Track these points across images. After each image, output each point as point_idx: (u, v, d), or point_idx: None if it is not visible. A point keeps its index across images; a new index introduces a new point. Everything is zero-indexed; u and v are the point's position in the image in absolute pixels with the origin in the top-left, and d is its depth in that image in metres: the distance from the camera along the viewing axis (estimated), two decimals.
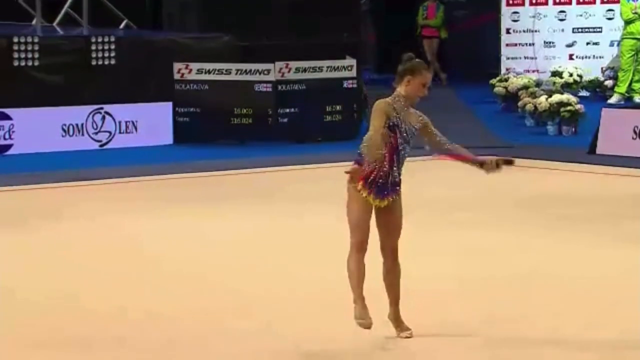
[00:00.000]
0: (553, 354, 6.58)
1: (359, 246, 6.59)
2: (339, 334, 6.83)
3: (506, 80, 19.48)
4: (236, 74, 16.30)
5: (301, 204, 11.46)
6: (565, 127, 16.91)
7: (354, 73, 16.91)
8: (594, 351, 6.63)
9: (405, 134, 6.67)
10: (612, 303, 7.68)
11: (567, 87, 19.66)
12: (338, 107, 16.76)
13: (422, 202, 11.18)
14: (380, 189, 6.62)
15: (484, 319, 7.18)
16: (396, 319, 6.77)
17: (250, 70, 16.33)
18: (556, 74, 20.37)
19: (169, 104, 16.29)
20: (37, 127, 15.34)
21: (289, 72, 16.48)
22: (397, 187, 6.72)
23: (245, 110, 16.25)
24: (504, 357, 6.55)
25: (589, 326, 7.07)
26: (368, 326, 6.53)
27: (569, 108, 16.82)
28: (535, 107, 17.33)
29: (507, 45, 21.86)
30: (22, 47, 15.55)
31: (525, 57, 21.47)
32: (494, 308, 7.48)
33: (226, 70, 16.34)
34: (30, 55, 15.61)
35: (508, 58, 21.71)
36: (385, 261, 6.75)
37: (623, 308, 7.52)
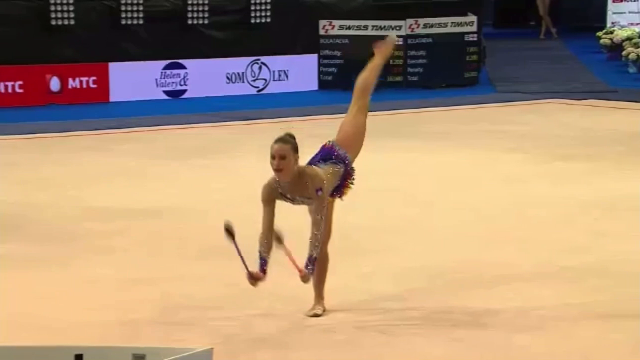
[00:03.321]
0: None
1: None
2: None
3: (611, 32, 19.35)
4: (372, 29, 16.41)
5: (435, 141, 11.52)
6: None
7: (474, 28, 16.96)
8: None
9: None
10: None
11: None
12: (460, 58, 16.84)
13: (538, 137, 11.59)
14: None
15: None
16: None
17: (385, 26, 16.44)
18: None
19: (315, 56, 16.60)
20: (206, 75, 15.76)
21: (418, 27, 16.63)
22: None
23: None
24: None
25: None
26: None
27: None
28: (638, 55, 17.34)
29: (613, 1, 21.56)
30: (195, 8, 15.89)
31: (629, 12, 21.12)
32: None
33: (364, 27, 16.49)
34: (201, 15, 15.93)
35: (614, 13, 21.33)
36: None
37: None
